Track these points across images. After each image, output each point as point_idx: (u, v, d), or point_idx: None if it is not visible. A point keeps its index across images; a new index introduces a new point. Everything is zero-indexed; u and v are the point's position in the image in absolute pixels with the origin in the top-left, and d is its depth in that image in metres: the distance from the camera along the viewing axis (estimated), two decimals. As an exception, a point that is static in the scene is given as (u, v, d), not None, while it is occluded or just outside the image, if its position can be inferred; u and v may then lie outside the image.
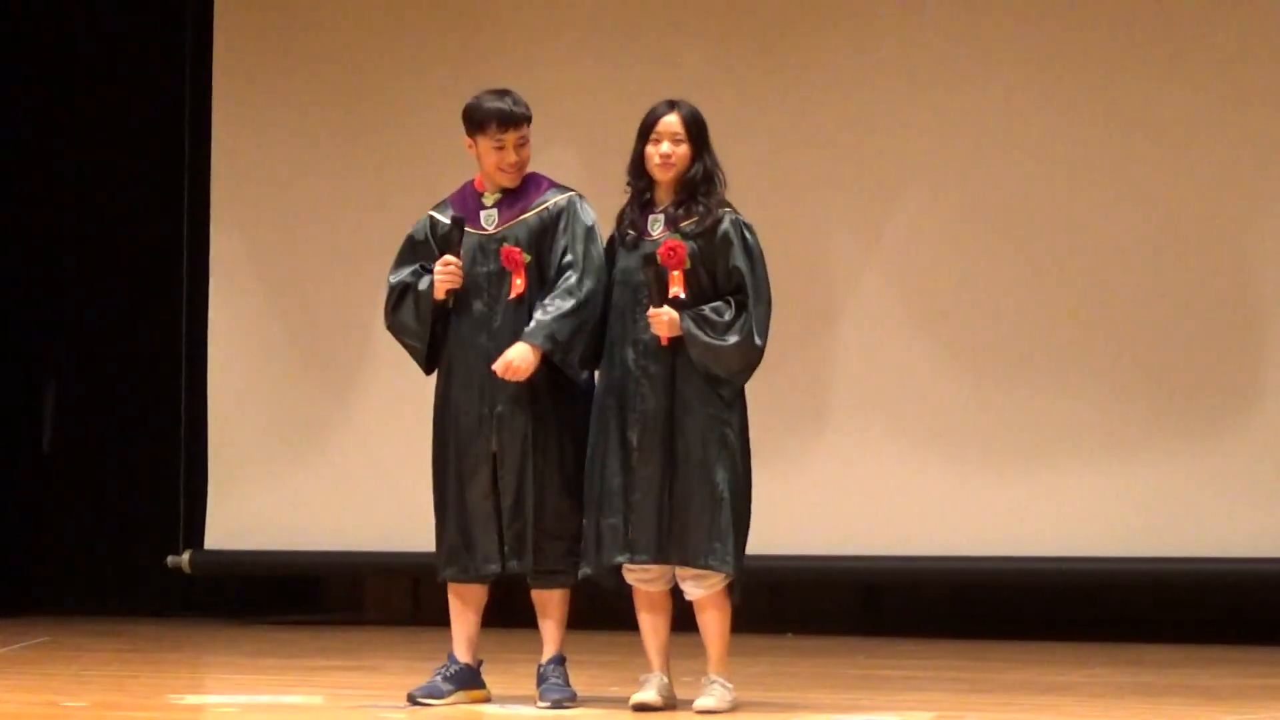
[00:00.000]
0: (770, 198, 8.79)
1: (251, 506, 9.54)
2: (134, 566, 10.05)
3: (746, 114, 8.85)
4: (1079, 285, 8.54)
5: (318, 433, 9.48)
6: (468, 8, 9.45)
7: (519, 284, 5.99)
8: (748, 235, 5.88)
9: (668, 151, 5.85)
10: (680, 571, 5.84)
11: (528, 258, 5.99)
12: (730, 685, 5.89)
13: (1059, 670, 7.30)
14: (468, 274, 6.03)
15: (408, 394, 9.09)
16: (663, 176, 5.88)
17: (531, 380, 5.93)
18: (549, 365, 5.93)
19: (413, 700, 6.01)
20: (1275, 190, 8.34)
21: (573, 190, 6.11)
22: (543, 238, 6.03)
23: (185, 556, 9.62)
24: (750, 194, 8.73)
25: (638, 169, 5.93)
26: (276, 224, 9.65)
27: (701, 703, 5.83)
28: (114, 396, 10.12)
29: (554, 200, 6.07)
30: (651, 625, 5.94)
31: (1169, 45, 8.48)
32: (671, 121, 5.87)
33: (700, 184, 5.89)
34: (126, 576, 10.09)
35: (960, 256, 8.70)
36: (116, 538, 10.11)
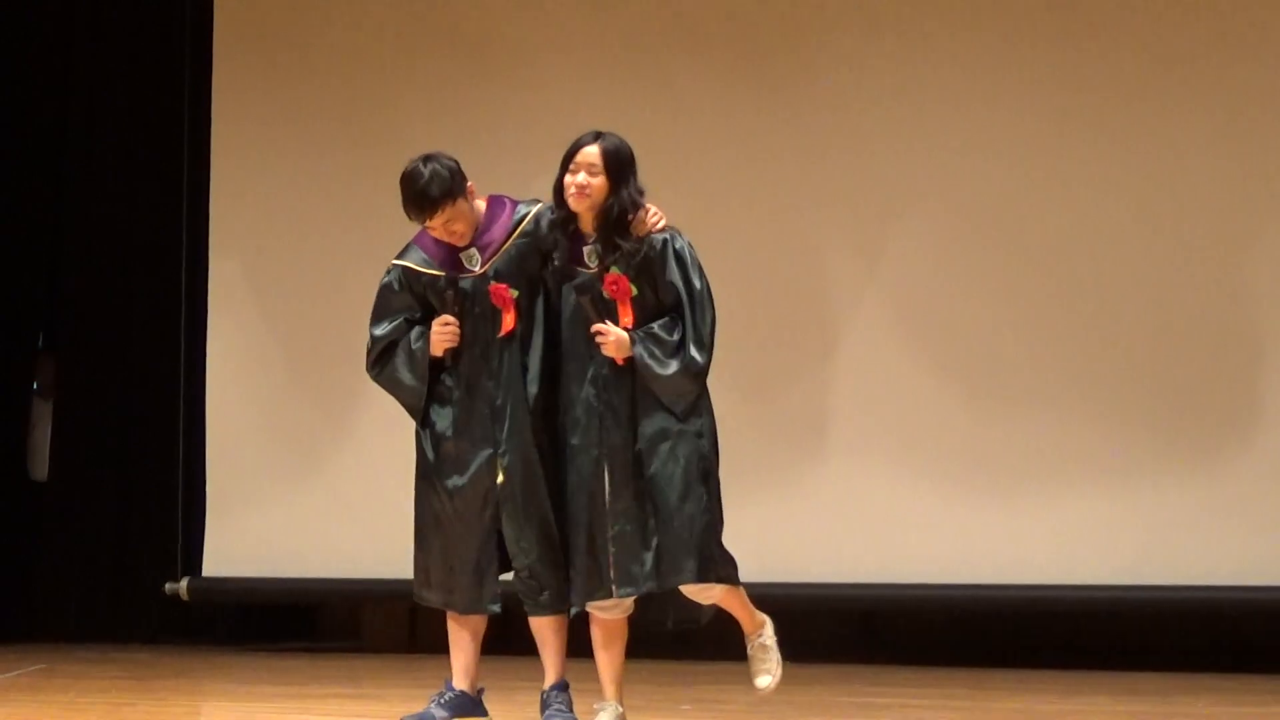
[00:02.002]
0: (768, 222, 8.84)
1: (249, 533, 9.54)
2: (131, 593, 10.05)
3: (743, 136, 8.88)
4: (1079, 311, 8.55)
5: (315, 460, 9.48)
6: (466, 29, 9.47)
7: (508, 320, 5.99)
8: (679, 248, 5.88)
9: (583, 182, 5.83)
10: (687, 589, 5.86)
11: (514, 293, 5.98)
12: (767, 629, 5.98)
13: (1057, 698, 7.30)
14: (461, 319, 6.02)
15: (406, 421, 9.10)
16: (576, 206, 5.87)
17: (532, 416, 5.95)
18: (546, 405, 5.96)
19: (407, 728, 6.02)
20: (1277, 215, 8.34)
21: (539, 201, 6.07)
22: (528, 259, 6.02)
23: (183, 583, 9.62)
24: (748, 217, 8.84)
25: (559, 197, 5.92)
26: (275, 248, 9.66)
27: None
28: (111, 422, 10.13)
29: (528, 215, 6.05)
30: (606, 654, 5.94)
31: (1170, 69, 8.49)
32: (591, 153, 5.85)
33: (624, 214, 5.85)
34: (124, 603, 10.08)
35: (959, 281, 8.70)
36: (114, 564, 10.10)
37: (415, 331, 6.07)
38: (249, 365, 9.65)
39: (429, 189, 5.92)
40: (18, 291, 10.28)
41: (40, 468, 10.33)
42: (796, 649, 8.79)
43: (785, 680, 7.01)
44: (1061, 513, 8.46)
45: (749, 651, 5.97)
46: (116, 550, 10.11)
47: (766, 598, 8.34)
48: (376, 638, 10.09)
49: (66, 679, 8.07)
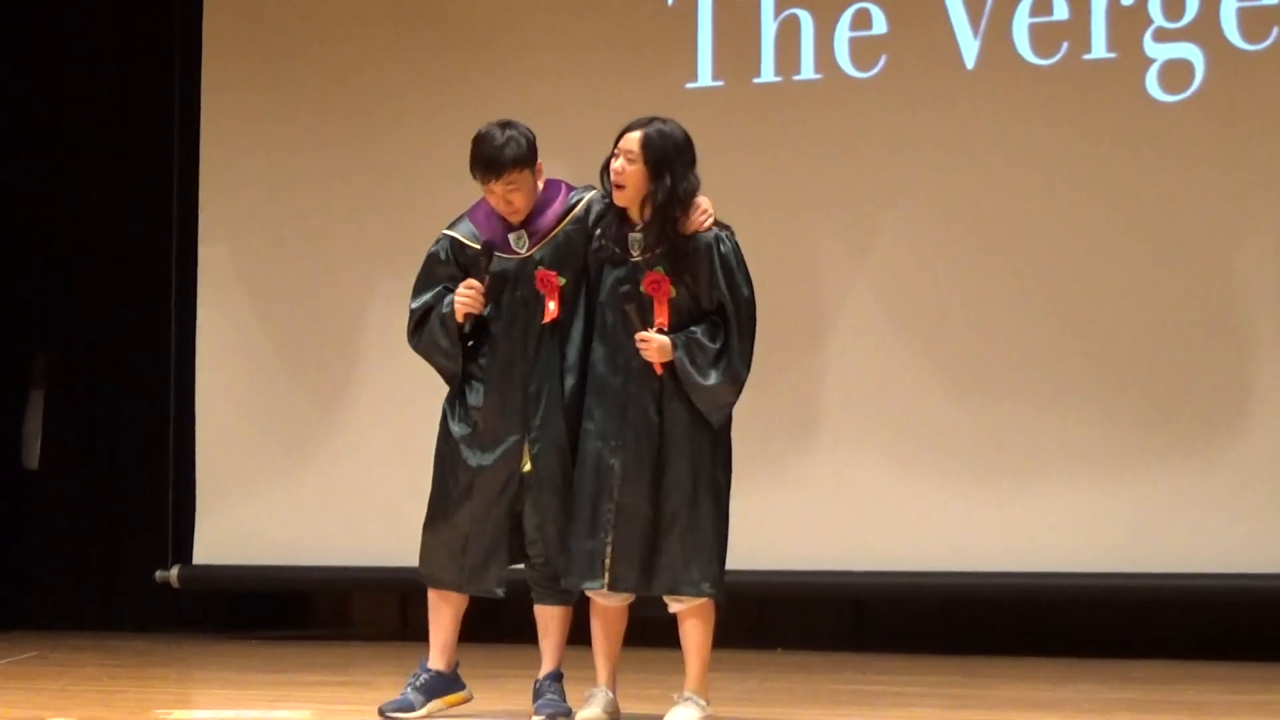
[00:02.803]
0: (759, 213, 8.81)
1: (240, 521, 9.54)
2: (122, 582, 10.05)
3: (736, 129, 8.86)
4: (1069, 301, 8.54)
5: (306, 448, 9.48)
6: (458, 22, 9.45)
7: (552, 308, 5.88)
8: (725, 251, 5.77)
9: (619, 169, 5.71)
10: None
11: (563, 281, 5.89)
12: (705, 704, 5.80)
13: (1048, 686, 7.30)
14: (502, 300, 5.93)
15: (396, 409, 9.16)
16: (616, 197, 5.75)
17: (567, 408, 5.88)
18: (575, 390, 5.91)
19: (384, 715, 5.97)
20: (1264, 209, 8.34)
21: (593, 187, 5.96)
22: (574, 246, 5.93)
23: (173, 572, 9.62)
24: (739, 209, 8.81)
25: (605, 177, 5.80)
26: (265, 238, 9.65)
27: (673, 717, 5.76)
28: (102, 412, 10.12)
29: (580, 202, 5.96)
30: (604, 638, 5.88)
31: (1160, 62, 8.49)
32: (631, 139, 5.72)
33: (665, 208, 5.72)
34: (114, 592, 10.09)
35: (949, 273, 8.70)
36: (104, 553, 10.10)
37: (446, 299, 5.97)
38: (239, 354, 9.64)
39: (504, 150, 5.83)
40: (10, 283, 10.27)
41: (31, 456, 10.32)
42: (787, 637, 8.87)
43: (777, 668, 7.03)
44: (1051, 501, 8.46)
45: (677, 699, 5.79)
46: (107, 538, 10.11)
47: (757, 585, 8.43)
48: (366, 625, 10.10)
49: (58, 667, 8.06)
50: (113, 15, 10.20)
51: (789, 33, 8.93)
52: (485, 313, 5.93)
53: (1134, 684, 7.43)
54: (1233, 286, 8.37)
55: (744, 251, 5.86)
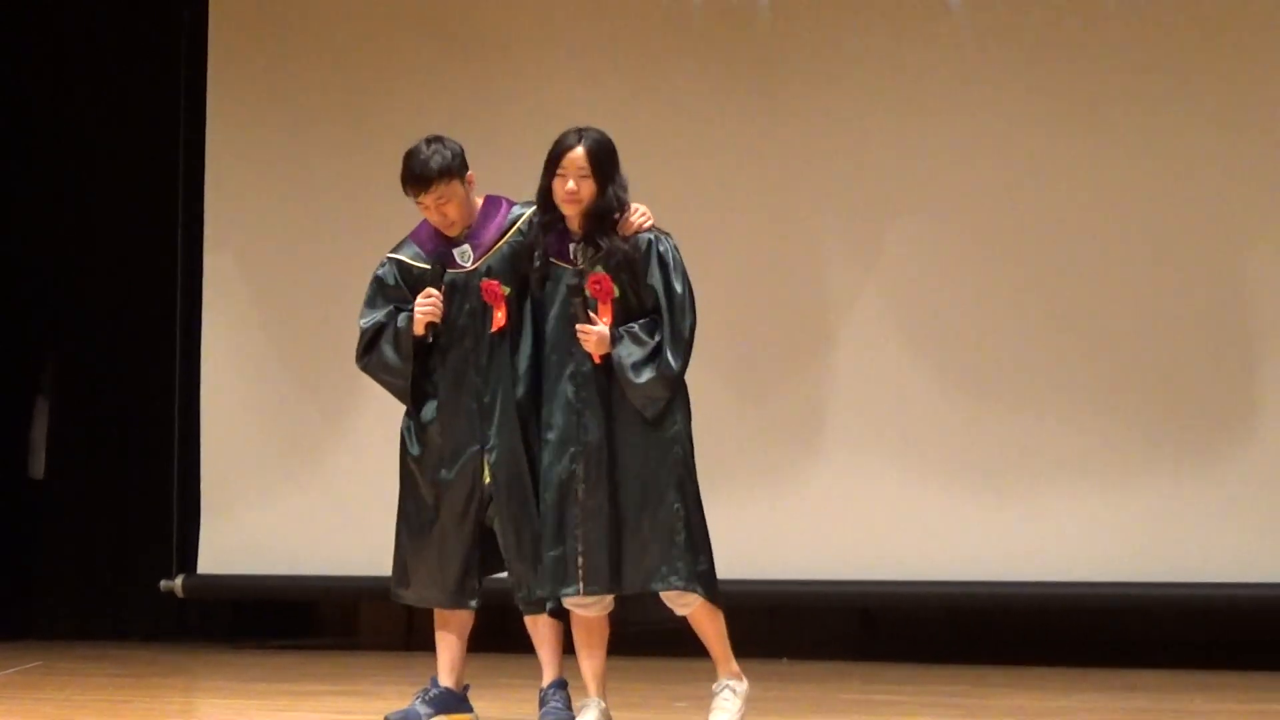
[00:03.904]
0: (765, 221, 8.82)
1: (245, 530, 9.53)
2: (127, 591, 10.04)
3: (741, 138, 8.87)
4: (1075, 310, 8.53)
5: (311, 456, 9.47)
6: (461, 30, 9.46)
7: (499, 317, 5.98)
8: (663, 250, 5.86)
9: (573, 188, 5.81)
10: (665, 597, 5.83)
11: (507, 290, 5.98)
12: (740, 684, 5.85)
13: (1054, 695, 7.29)
14: (450, 313, 6.02)
15: (400, 418, 9.13)
16: (570, 212, 5.85)
17: (520, 416, 5.95)
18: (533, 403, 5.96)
19: (389, 725, 6.01)
20: (1271, 215, 8.33)
21: (534, 203, 6.01)
22: (518, 258, 6.01)
23: (178, 581, 9.61)
24: (745, 217, 8.83)
25: (545, 201, 5.89)
26: (270, 247, 9.65)
27: (714, 715, 5.80)
28: (107, 421, 10.12)
29: (523, 216, 6.05)
30: (588, 651, 5.91)
31: (1165, 71, 8.47)
32: (577, 156, 5.81)
33: (605, 212, 5.83)
34: (120, 601, 10.08)
35: (956, 281, 8.69)
36: (110, 562, 10.10)
37: (401, 316, 6.06)
38: (244, 362, 9.64)
39: (428, 163, 5.94)
40: (16, 291, 10.27)
41: (37, 465, 10.32)
42: (794, 646, 8.86)
43: (782, 677, 7.02)
44: (1058, 510, 8.44)
45: (714, 690, 5.86)
46: (113, 547, 10.10)
47: (764, 594, 8.42)
48: (372, 635, 10.09)
49: (63, 676, 8.07)
50: (118, 21, 10.19)
51: (795, 40, 8.94)
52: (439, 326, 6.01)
53: (1142, 693, 7.42)
54: (1240, 296, 8.35)
55: (749, 260, 5.94)
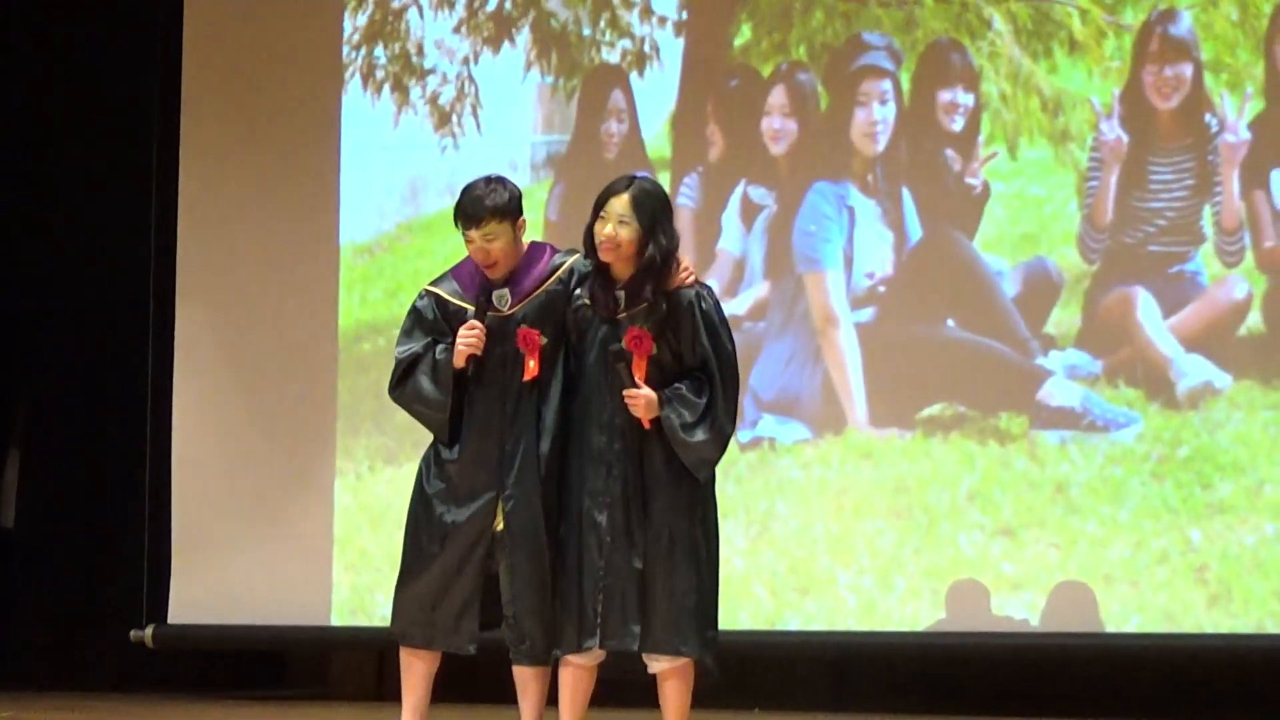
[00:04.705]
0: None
1: (215, 580, 9.49)
2: (97, 641, 9.99)
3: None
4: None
5: (282, 507, 9.43)
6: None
7: (532, 366, 5.90)
8: (707, 308, 5.79)
9: (612, 234, 5.73)
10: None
11: (544, 340, 5.92)
12: None
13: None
14: (483, 357, 5.93)
15: (373, 470, 9.14)
16: (607, 258, 5.77)
17: (542, 468, 5.90)
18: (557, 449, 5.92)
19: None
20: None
21: (576, 251, 6.00)
22: (556, 307, 5.95)
23: (149, 631, 9.56)
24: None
25: (589, 244, 5.82)
26: (241, 298, 9.63)
27: None
28: (78, 470, 10.08)
29: (563, 265, 6.00)
30: (571, 699, 5.85)
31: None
32: (621, 201, 5.74)
33: (653, 266, 5.74)
34: (90, 651, 10.03)
35: (915, 325, 8.74)
36: (80, 612, 10.05)
37: (439, 348, 5.99)
38: (215, 411, 9.61)
39: (483, 200, 5.90)
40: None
41: (8, 514, 10.28)
42: (765, 697, 8.83)
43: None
44: (1035, 559, 8.45)
45: None
46: (83, 597, 10.05)
47: (734, 644, 8.39)
48: (343, 685, 10.04)
49: (31, 727, 8.02)
50: (90, 66, 10.18)
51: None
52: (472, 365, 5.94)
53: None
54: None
55: (716, 303, 5.87)
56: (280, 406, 9.50)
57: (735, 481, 8.66)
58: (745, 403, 8.73)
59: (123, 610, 9.74)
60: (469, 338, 5.91)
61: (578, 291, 5.89)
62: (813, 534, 8.69)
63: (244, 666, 10.14)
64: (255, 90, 9.69)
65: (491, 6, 9.36)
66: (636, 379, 5.71)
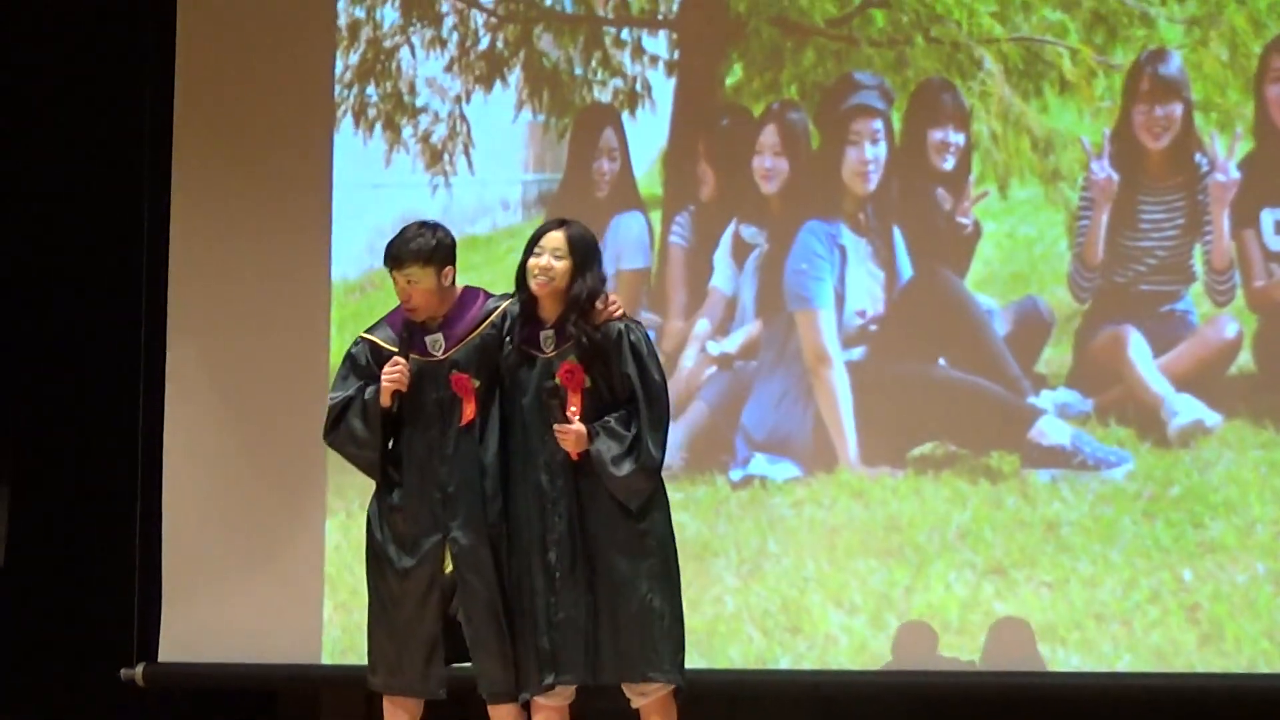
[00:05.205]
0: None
1: (206, 619, 9.47)
2: (87, 679, 9.95)
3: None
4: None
5: (273, 544, 9.42)
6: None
7: (468, 410, 6.01)
8: (636, 340, 5.89)
9: (546, 265, 5.87)
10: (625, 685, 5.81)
11: (476, 383, 6.01)
12: None
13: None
14: (419, 401, 6.03)
15: (363, 506, 9.08)
16: (540, 291, 5.89)
17: (484, 508, 5.95)
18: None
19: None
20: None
21: (510, 296, 6.11)
22: (490, 351, 6.03)
23: (139, 669, 9.54)
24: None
25: (521, 281, 5.95)
26: (233, 333, 9.62)
27: None
28: (67, 507, 10.06)
29: (497, 309, 6.10)
30: None
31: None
32: (556, 237, 5.88)
33: (580, 302, 5.87)
34: (79, 690, 9.98)
35: (921, 361, 8.75)
36: (69, 650, 10.01)
37: (369, 389, 6.10)
38: (206, 449, 9.59)
39: (407, 243, 6.02)
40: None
41: (-3, 553, 10.26)
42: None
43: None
44: (1027, 597, 8.44)
45: None
46: (72, 635, 10.02)
47: (722, 683, 8.41)
48: (335, 724, 10.02)
49: (19, 766, 8.00)
50: (80, 102, 10.18)
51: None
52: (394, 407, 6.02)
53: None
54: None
55: (644, 335, 5.93)
56: (272, 444, 9.49)
57: (726, 520, 8.68)
58: (736, 441, 8.77)
59: (113, 648, 9.71)
60: (392, 374, 6.03)
61: (508, 337, 5.99)
62: (804, 573, 8.68)
63: (234, 705, 10.10)
64: (247, 128, 9.69)
65: (483, 46, 9.39)
66: (570, 414, 5.77)
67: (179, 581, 9.55)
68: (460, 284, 6.16)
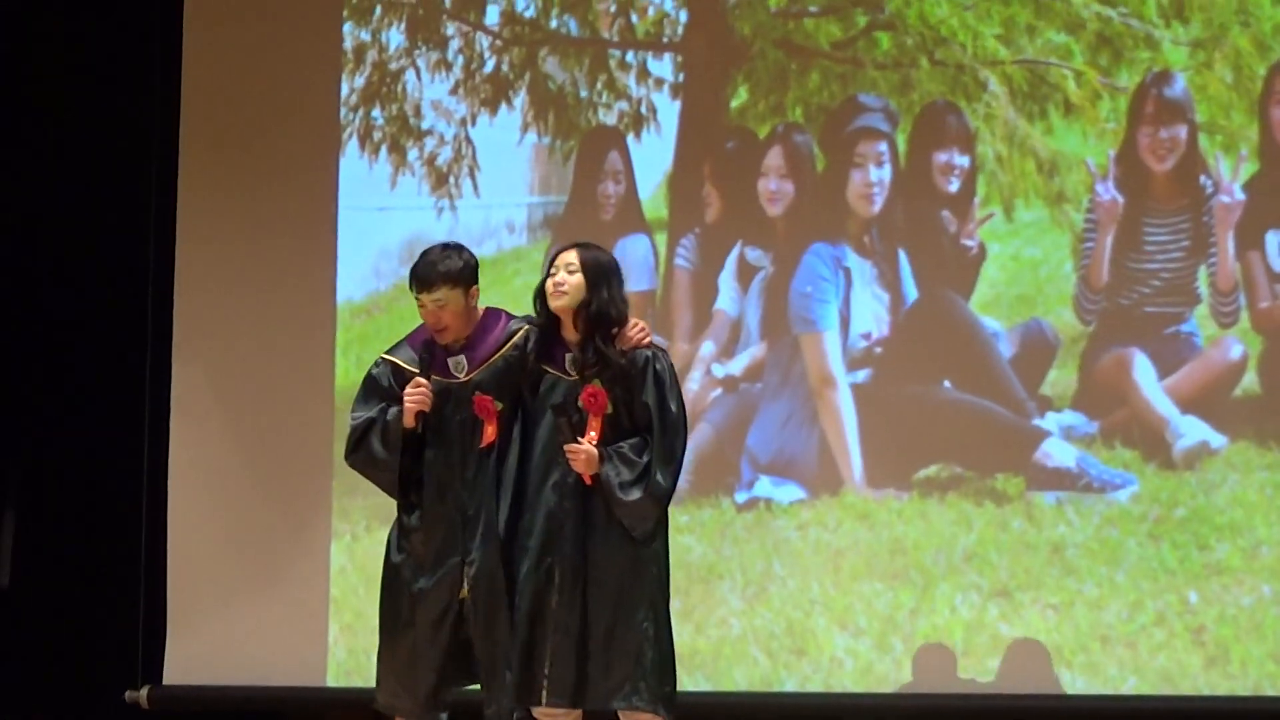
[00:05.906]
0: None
1: (211, 641, 9.46)
2: (91, 701, 9.94)
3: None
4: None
5: (278, 567, 9.42)
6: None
7: (489, 432, 6.00)
8: (661, 369, 5.90)
9: (560, 280, 5.89)
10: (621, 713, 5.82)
11: (499, 406, 6.00)
12: None
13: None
14: (441, 423, 6.04)
15: (370, 530, 9.12)
16: (555, 304, 5.91)
17: (503, 531, 5.94)
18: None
19: None
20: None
21: (534, 317, 6.09)
22: (512, 372, 6.03)
23: (143, 692, 9.52)
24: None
25: (540, 300, 5.97)
26: (238, 358, 9.62)
27: None
28: (72, 530, 10.05)
29: (519, 331, 6.09)
30: None
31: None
32: (569, 255, 5.92)
33: (600, 323, 5.89)
34: (83, 712, 9.98)
35: (926, 384, 8.74)
36: (74, 672, 10.00)
37: (391, 410, 6.10)
38: (211, 471, 9.59)
39: (436, 264, 6.02)
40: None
41: (2, 575, 10.25)
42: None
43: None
44: (1037, 619, 8.44)
45: None
46: (77, 657, 10.01)
47: (718, 706, 8.39)
48: (339, 746, 10.01)
49: (24, 789, 7.98)
50: (87, 133, 10.19)
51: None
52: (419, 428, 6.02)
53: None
54: None
55: (668, 362, 5.94)
56: (276, 467, 9.49)
57: (732, 542, 8.67)
58: (741, 463, 8.77)
59: (117, 671, 9.70)
60: (415, 395, 6.03)
61: (532, 357, 6.00)
62: (809, 595, 8.67)
63: (239, 727, 10.10)
64: (253, 150, 9.70)
65: (489, 69, 9.41)
66: (587, 435, 5.77)
67: (184, 603, 9.54)
68: (481, 305, 6.18)
